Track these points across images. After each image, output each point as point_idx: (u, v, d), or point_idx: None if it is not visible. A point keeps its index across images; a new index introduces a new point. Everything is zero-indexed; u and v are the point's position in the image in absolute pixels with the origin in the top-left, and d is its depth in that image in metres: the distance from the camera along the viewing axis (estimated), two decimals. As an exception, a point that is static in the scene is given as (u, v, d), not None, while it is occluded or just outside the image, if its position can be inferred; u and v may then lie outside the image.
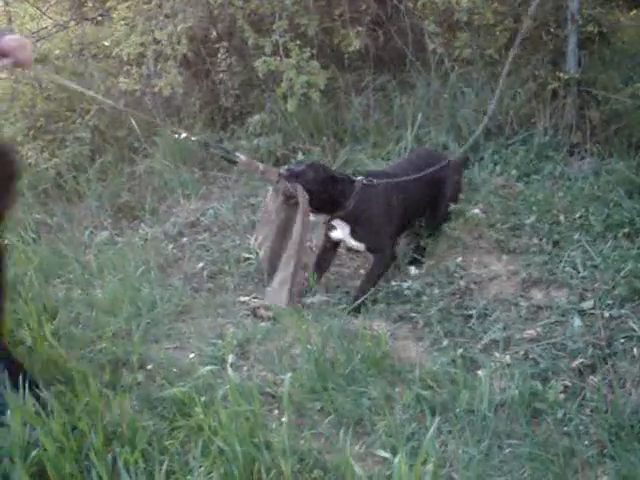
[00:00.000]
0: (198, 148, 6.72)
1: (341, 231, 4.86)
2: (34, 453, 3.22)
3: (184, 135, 5.32)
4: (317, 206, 4.74)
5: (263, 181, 5.57)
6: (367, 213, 4.81)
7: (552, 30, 6.20)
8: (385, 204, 4.88)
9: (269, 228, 4.93)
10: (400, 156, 6.03)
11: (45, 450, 3.17)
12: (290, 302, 4.63)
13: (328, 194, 4.74)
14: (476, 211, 5.21)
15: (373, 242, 4.85)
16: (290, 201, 4.73)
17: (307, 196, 4.64)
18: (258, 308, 4.70)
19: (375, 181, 4.86)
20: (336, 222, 4.85)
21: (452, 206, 5.18)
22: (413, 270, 4.93)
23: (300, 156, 6.37)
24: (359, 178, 4.90)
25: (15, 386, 3.46)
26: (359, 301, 4.59)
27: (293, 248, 4.74)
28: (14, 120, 7.17)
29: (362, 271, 5.04)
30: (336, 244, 5.00)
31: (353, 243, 4.87)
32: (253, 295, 4.89)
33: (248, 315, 4.66)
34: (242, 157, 4.96)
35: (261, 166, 4.93)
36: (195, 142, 5.76)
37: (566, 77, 5.88)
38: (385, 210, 4.89)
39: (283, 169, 4.83)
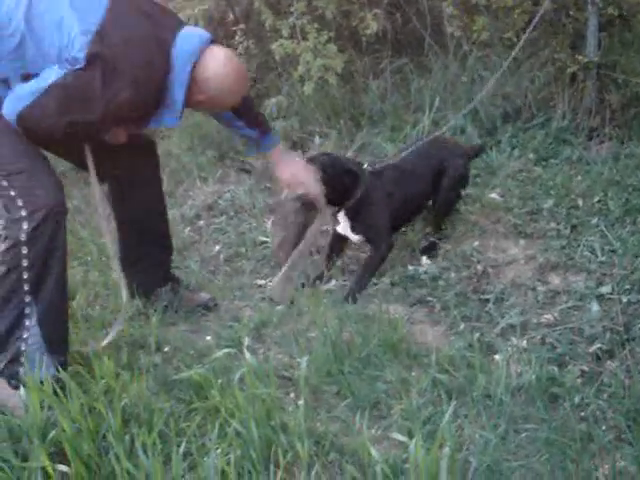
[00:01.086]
0: (215, 131, 6.73)
1: (343, 225, 4.85)
2: (52, 434, 3.25)
3: None
4: (330, 197, 4.67)
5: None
6: (369, 204, 4.77)
7: (572, 13, 6.13)
8: (386, 194, 4.85)
9: (287, 234, 4.91)
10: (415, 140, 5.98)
11: (63, 431, 3.19)
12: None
13: (341, 186, 4.70)
14: (493, 195, 5.20)
15: (372, 233, 4.81)
16: (307, 206, 4.73)
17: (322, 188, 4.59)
18: None
19: (378, 167, 4.87)
20: (340, 216, 4.82)
21: (454, 198, 5.12)
22: (424, 260, 4.89)
23: (317, 140, 6.35)
24: (366, 166, 4.87)
25: None
26: (356, 292, 4.60)
27: (306, 248, 4.75)
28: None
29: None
30: (344, 237, 4.97)
31: (354, 238, 4.86)
32: (269, 279, 4.89)
33: (264, 298, 4.67)
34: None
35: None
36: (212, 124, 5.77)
37: (585, 60, 5.83)
38: (386, 200, 4.85)
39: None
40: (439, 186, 5.00)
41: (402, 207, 4.94)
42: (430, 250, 4.95)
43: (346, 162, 4.86)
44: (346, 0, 6.89)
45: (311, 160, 4.70)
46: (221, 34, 7.10)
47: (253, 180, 6.20)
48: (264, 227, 5.38)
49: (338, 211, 4.81)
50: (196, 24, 6.50)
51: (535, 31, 6.02)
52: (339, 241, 4.97)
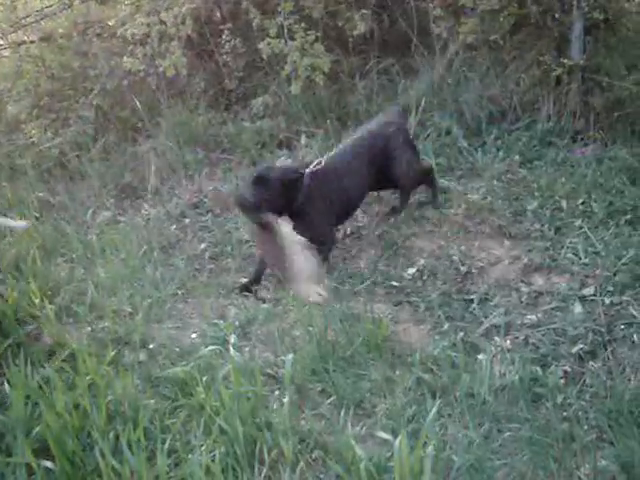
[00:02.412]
0: (202, 129, 6.73)
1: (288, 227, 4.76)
2: (37, 429, 3.25)
3: None
4: (279, 211, 4.66)
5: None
6: (307, 210, 4.76)
7: (557, 16, 6.17)
8: (325, 198, 4.86)
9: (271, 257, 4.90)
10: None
11: (48, 426, 3.19)
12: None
13: (284, 196, 4.67)
14: (478, 196, 5.22)
15: (314, 235, 4.70)
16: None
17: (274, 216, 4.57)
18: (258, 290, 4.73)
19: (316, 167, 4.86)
20: (282, 219, 4.72)
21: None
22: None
23: (304, 139, 6.36)
24: (306, 171, 4.81)
25: None
26: None
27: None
28: (18, 98, 7.18)
29: (363, 253, 5.06)
30: None
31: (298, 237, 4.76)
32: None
33: (249, 297, 4.68)
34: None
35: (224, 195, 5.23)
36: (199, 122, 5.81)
37: (570, 63, 5.87)
38: (324, 204, 4.87)
39: (246, 199, 4.62)
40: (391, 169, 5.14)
41: (346, 200, 5.01)
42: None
43: (283, 174, 4.74)
44: (333, 0, 6.91)
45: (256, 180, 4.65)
46: (208, 33, 7.09)
47: (237, 176, 6.19)
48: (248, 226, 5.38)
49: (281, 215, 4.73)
50: (183, 23, 6.49)
51: (521, 34, 6.07)
52: None
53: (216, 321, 4.36)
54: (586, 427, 3.30)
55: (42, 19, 7.87)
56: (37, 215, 5.84)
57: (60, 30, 7.72)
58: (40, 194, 6.25)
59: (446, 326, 4.12)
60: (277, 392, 3.67)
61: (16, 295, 4.42)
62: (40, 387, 3.45)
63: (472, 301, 4.33)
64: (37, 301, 4.38)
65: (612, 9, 6.19)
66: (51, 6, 7.98)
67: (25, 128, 7.02)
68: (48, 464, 3.13)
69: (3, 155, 6.90)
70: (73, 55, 7.56)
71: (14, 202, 6.07)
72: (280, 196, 4.63)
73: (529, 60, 6.28)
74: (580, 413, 3.37)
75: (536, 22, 6.24)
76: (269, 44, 6.35)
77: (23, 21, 7.82)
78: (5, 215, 5.78)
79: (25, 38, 7.83)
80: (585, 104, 5.96)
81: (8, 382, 3.48)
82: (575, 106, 5.96)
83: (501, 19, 6.36)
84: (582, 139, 5.88)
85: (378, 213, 5.39)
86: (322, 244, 4.77)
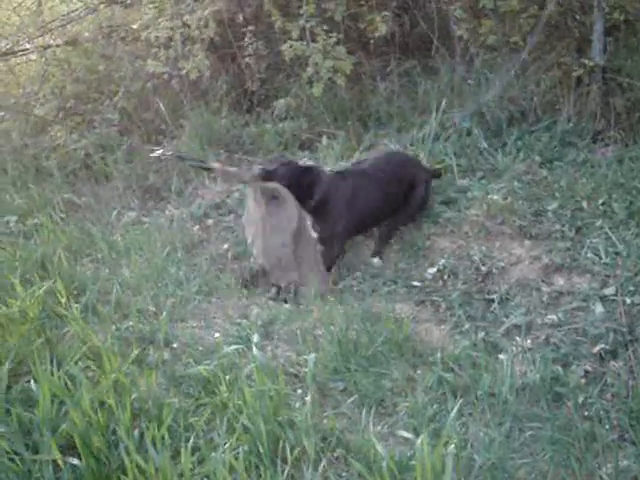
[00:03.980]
0: (224, 131, 6.78)
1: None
2: (63, 427, 3.29)
3: (158, 152, 5.71)
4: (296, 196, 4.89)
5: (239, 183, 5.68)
6: (327, 209, 4.95)
7: (578, 17, 6.17)
8: (347, 199, 5.00)
9: (255, 227, 5.00)
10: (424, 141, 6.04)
11: (74, 424, 3.24)
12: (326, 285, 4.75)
13: (300, 189, 4.87)
14: (498, 197, 5.22)
15: (325, 232, 4.96)
16: (271, 198, 4.84)
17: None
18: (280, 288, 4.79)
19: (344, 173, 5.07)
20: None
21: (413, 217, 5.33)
22: (376, 261, 5.04)
23: (325, 141, 6.40)
24: (327, 170, 5.05)
25: None
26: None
27: (303, 239, 4.85)
28: (44, 101, 7.25)
29: (384, 253, 5.09)
30: None
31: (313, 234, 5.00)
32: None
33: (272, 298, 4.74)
34: (215, 164, 5.13)
35: (232, 169, 5.10)
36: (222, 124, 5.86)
37: (591, 64, 5.85)
38: (344, 209, 5.01)
39: (257, 169, 4.90)
40: (405, 203, 5.24)
41: (365, 212, 5.10)
42: (381, 245, 5.15)
43: (302, 169, 5.03)
44: (355, 3, 6.94)
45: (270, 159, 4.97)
46: (231, 35, 7.13)
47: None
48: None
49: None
50: (206, 25, 6.54)
51: (541, 35, 6.06)
52: None
53: (239, 320, 4.41)
54: (608, 427, 3.32)
55: (68, 23, 7.96)
56: (63, 216, 5.90)
57: (85, 34, 7.80)
58: (66, 195, 6.31)
59: (467, 326, 4.15)
60: (299, 391, 3.71)
61: (42, 294, 4.48)
62: (66, 385, 3.50)
63: (493, 301, 4.36)
64: (63, 300, 4.43)
65: (633, 10, 6.16)
66: (77, 10, 8.07)
67: (51, 130, 7.11)
68: (74, 461, 3.17)
69: (29, 157, 6.96)
70: (98, 58, 7.64)
71: (40, 203, 6.13)
72: (297, 184, 4.86)
73: (550, 61, 6.26)
74: (601, 413, 3.39)
75: (556, 23, 6.24)
76: (291, 46, 6.38)
77: (49, 25, 7.91)
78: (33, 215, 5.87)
79: (51, 42, 7.90)
80: (606, 105, 5.94)
81: (35, 380, 3.53)
82: (596, 107, 5.94)
83: (521, 20, 6.37)
84: (603, 139, 5.86)
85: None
86: (329, 247, 4.92)
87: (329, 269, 4.91)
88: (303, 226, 4.90)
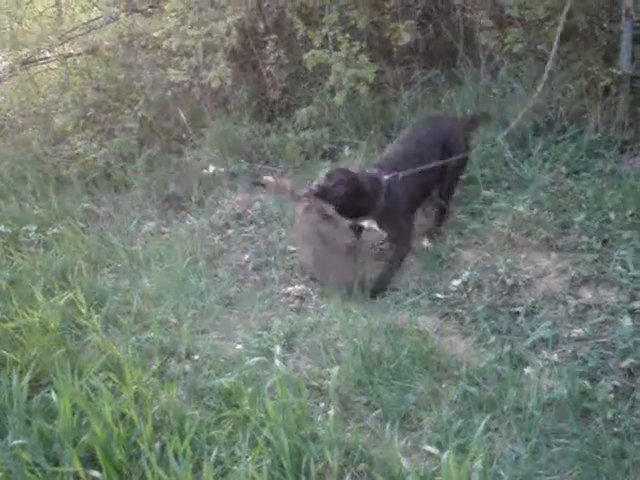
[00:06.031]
0: (245, 140, 6.76)
1: (368, 224, 5.03)
2: (84, 439, 3.27)
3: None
4: (351, 215, 4.94)
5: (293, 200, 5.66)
6: (394, 208, 4.93)
7: (605, 25, 6.11)
8: (404, 194, 4.98)
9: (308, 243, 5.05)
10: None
11: (95, 436, 3.21)
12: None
13: (361, 202, 4.85)
14: (524, 208, 5.16)
15: (395, 231, 4.99)
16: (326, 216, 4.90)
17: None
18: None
19: (399, 174, 4.96)
20: (367, 223, 5.03)
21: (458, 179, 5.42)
22: (426, 242, 5.14)
23: (347, 150, 6.36)
24: (385, 177, 4.95)
25: None
26: (380, 289, 4.78)
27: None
28: (65, 110, 7.25)
29: (407, 265, 5.04)
30: (360, 229, 5.13)
31: (377, 234, 5.08)
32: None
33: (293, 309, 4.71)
34: (270, 179, 5.09)
35: (289, 184, 5.06)
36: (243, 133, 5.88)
37: (619, 73, 5.79)
38: (406, 200, 5.02)
39: (314, 186, 4.83)
40: (444, 168, 5.21)
41: (417, 192, 5.12)
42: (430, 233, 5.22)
43: (361, 177, 4.93)
44: (378, 11, 6.91)
45: (331, 174, 4.88)
46: (253, 44, 7.12)
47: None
48: (293, 236, 5.40)
49: (364, 220, 4.99)
50: (228, 34, 6.53)
51: (568, 44, 6.00)
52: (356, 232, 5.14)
53: (260, 332, 4.38)
54: (637, 443, 3.24)
55: (88, 32, 7.99)
56: (83, 226, 5.88)
57: (106, 42, 7.80)
58: (85, 205, 6.29)
59: (492, 339, 4.09)
60: (322, 404, 3.67)
61: (63, 305, 4.46)
62: (87, 396, 3.47)
63: (518, 314, 4.29)
64: (83, 311, 4.41)
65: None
66: (97, 19, 8.10)
67: (71, 139, 7.09)
68: (95, 473, 3.16)
69: (50, 166, 6.96)
70: (118, 67, 7.64)
71: (60, 213, 6.12)
72: (356, 198, 4.82)
73: (576, 70, 6.20)
74: (631, 429, 3.32)
75: (583, 32, 6.17)
76: (313, 55, 6.36)
77: (70, 34, 7.94)
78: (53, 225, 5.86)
79: (72, 51, 7.94)
80: (634, 114, 5.87)
81: (56, 391, 3.50)
82: (623, 116, 5.87)
83: (547, 29, 6.31)
84: (631, 150, 5.79)
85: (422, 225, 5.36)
86: (399, 247, 4.97)
87: (398, 266, 4.96)
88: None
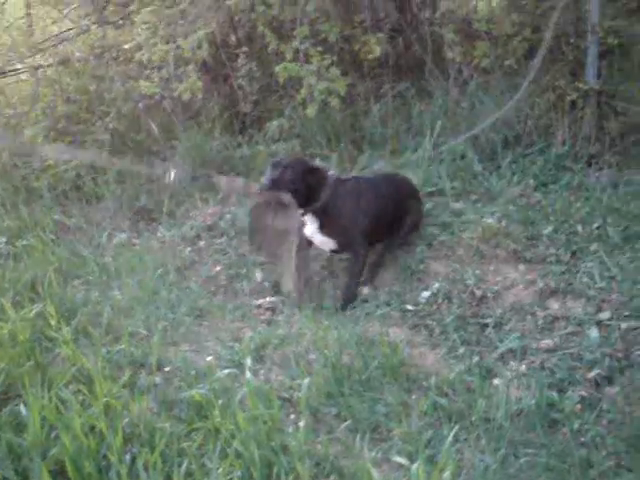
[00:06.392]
0: (216, 152, 6.77)
1: (310, 227, 4.98)
2: (53, 451, 3.25)
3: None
4: (299, 200, 4.90)
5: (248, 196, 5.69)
6: (337, 208, 4.93)
7: (572, 41, 6.20)
8: (356, 201, 5.00)
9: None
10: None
11: (65, 449, 3.19)
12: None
13: (306, 187, 4.87)
14: (493, 220, 5.21)
15: (344, 238, 4.96)
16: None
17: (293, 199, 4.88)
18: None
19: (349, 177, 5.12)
20: (308, 217, 4.97)
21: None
22: (365, 290, 5.01)
23: (318, 162, 6.39)
24: (331, 172, 5.04)
25: None
26: (349, 300, 4.83)
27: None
28: (35, 121, 7.22)
29: (377, 276, 5.07)
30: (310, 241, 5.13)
31: (321, 239, 4.99)
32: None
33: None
34: (223, 178, 5.12)
35: (241, 183, 5.10)
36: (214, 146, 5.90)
37: (585, 88, 5.87)
38: (355, 207, 5.00)
39: (266, 180, 4.87)
40: (401, 222, 5.23)
41: (377, 220, 5.09)
42: (373, 272, 5.14)
43: (311, 164, 5.05)
44: (349, 24, 6.95)
45: (276, 163, 4.90)
46: (224, 57, 7.14)
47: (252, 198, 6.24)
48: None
49: (305, 213, 4.95)
50: (200, 47, 6.54)
51: (536, 58, 6.08)
52: (306, 244, 5.12)
53: (231, 344, 4.37)
54: (604, 453, 3.27)
55: (59, 43, 7.97)
56: (53, 237, 5.86)
57: (77, 54, 7.79)
58: (56, 216, 6.27)
59: (462, 350, 4.12)
60: (293, 416, 3.67)
61: (33, 317, 4.44)
62: (57, 409, 3.45)
63: (487, 325, 4.33)
64: (54, 323, 4.40)
65: (627, 34, 6.19)
66: (68, 30, 8.08)
67: (41, 151, 7.07)
68: (64, 487, 3.14)
69: (19, 177, 6.93)
70: (89, 79, 7.63)
71: (30, 224, 6.09)
72: (304, 182, 4.83)
73: (544, 84, 6.28)
74: (598, 439, 3.35)
75: (551, 47, 6.25)
76: (285, 68, 6.38)
77: (40, 45, 7.91)
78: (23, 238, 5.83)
79: (42, 62, 7.91)
80: (600, 128, 5.96)
81: (25, 404, 3.49)
82: (590, 130, 5.95)
83: (515, 43, 6.39)
84: (597, 163, 5.86)
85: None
86: (354, 252, 4.97)
87: (360, 274, 5.02)
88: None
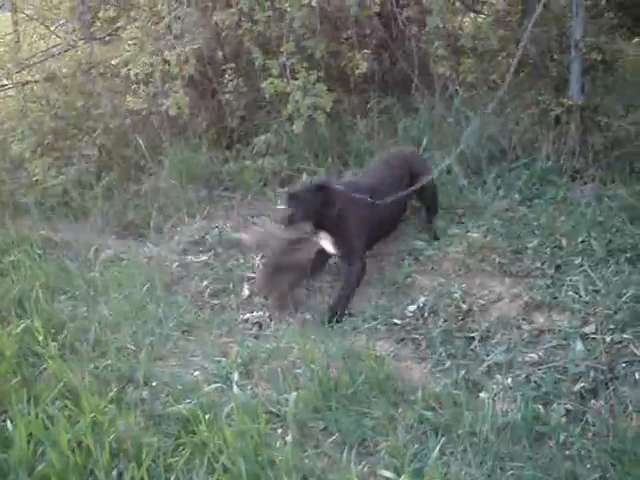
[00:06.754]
0: (203, 167, 6.79)
1: (325, 241, 5.06)
2: (40, 468, 3.25)
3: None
4: (317, 222, 4.97)
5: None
6: (344, 221, 4.98)
7: (556, 57, 6.26)
8: (359, 213, 5.05)
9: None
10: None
11: (51, 465, 3.19)
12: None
13: (321, 209, 4.91)
14: (478, 234, 5.24)
15: (346, 249, 5.03)
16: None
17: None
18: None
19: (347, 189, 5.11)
20: (322, 233, 5.03)
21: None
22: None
23: (305, 177, 6.42)
24: (338, 186, 5.10)
25: None
26: (337, 313, 4.80)
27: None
28: (22, 137, 7.22)
29: (364, 290, 5.08)
30: (327, 255, 5.18)
31: (334, 252, 5.09)
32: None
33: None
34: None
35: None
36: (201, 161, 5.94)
37: (569, 103, 5.92)
38: (359, 219, 5.06)
39: (283, 220, 4.94)
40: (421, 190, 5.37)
41: (376, 227, 5.21)
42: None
43: (321, 184, 5.07)
44: (335, 41, 7.00)
45: (291, 196, 4.94)
46: (211, 72, 7.16)
47: (239, 214, 6.26)
48: (251, 263, 5.42)
49: (319, 230, 5.02)
50: (186, 62, 6.57)
51: (520, 74, 6.13)
52: (322, 255, 5.16)
53: (218, 359, 4.37)
54: (589, 466, 3.29)
55: (46, 59, 7.98)
56: (40, 253, 5.85)
57: (64, 70, 7.81)
58: (43, 232, 6.27)
59: (448, 364, 4.13)
60: (280, 430, 3.67)
61: (20, 332, 4.44)
62: (43, 425, 3.45)
63: (473, 339, 4.34)
64: (41, 339, 4.39)
65: (609, 50, 6.25)
66: (55, 46, 8.09)
67: (29, 166, 7.07)
68: (51, 503, 3.14)
69: (7, 193, 6.94)
70: (77, 94, 7.65)
71: (17, 240, 6.09)
72: (312, 208, 4.89)
73: (528, 100, 6.34)
74: (583, 452, 3.37)
75: (535, 63, 6.31)
76: (272, 83, 6.41)
77: (28, 61, 7.93)
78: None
79: (30, 78, 7.94)
80: (584, 143, 6.01)
81: (11, 420, 3.48)
82: (574, 145, 6.00)
83: (500, 59, 6.45)
84: (581, 178, 5.92)
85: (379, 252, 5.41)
86: (352, 266, 4.98)
87: (354, 287, 5.03)
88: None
